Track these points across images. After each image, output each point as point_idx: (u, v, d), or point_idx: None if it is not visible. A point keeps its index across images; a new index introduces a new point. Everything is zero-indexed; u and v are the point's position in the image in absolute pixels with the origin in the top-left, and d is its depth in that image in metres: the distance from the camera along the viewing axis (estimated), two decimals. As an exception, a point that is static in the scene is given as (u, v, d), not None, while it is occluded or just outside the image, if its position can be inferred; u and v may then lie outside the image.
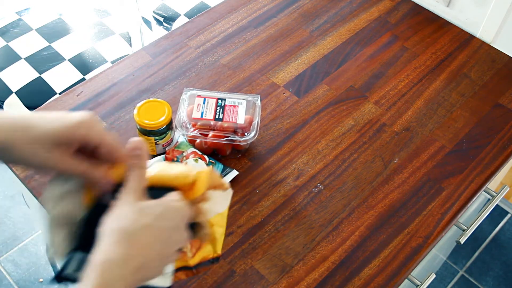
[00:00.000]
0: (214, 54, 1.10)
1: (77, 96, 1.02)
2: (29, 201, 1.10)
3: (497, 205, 1.89)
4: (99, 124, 0.58)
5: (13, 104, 1.29)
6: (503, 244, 1.86)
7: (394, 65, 1.11)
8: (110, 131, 0.96)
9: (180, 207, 0.58)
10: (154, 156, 0.91)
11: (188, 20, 1.22)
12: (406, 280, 0.86)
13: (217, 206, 0.67)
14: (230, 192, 0.68)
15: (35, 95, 1.29)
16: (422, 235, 0.87)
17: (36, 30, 1.40)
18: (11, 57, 1.34)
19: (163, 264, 0.57)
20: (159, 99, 0.90)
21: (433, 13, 1.23)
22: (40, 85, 1.30)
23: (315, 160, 0.95)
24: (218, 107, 0.91)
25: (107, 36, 1.41)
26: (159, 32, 1.52)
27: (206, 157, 0.89)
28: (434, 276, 0.92)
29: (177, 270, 0.67)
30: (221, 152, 0.92)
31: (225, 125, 0.89)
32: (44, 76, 1.31)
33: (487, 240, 1.87)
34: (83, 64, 1.34)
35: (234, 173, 0.90)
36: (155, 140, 0.89)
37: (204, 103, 0.91)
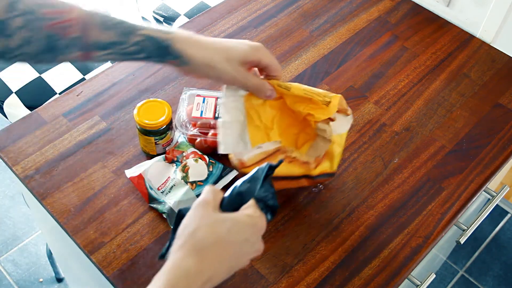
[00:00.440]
0: (214, 54, 1.10)
1: (77, 96, 1.02)
2: (29, 201, 1.10)
3: (497, 205, 1.89)
4: (268, 50, 0.78)
5: (13, 104, 1.29)
6: (503, 244, 1.86)
7: (394, 65, 1.11)
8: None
9: (251, 222, 0.62)
10: (154, 156, 0.91)
11: (188, 20, 1.22)
12: (406, 280, 0.86)
13: (339, 127, 0.82)
14: (351, 117, 0.83)
15: (35, 95, 1.29)
16: (422, 235, 0.87)
17: (36, 30, 1.40)
18: (11, 57, 1.34)
19: (230, 274, 0.60)
20: (159, 99, 0.90)
21: (433, 13, 1.23)
22: (40, 85, 1.30)
23: (315, 160, 0.95)
24: (218, 106, 0.91)
25: (107, 36, 1.41)
26: (159, 32, 1.52)
27: (206, 157, 0.89)
28: (434, 276, 0.92)
29: (302, 177, 0.83)
30: (221, 152, 0.92)
31: (225, 125, 0.89)
32: (44, 76, 1.31)
33: (487, 240, 1.87)
34: (83, 64, 1.34)
35: (234, 173, 0.90)
36: (155, 140, 0.89)
37: (203, 102, 0.91)
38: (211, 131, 0.89)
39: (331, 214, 0.88)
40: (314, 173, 0.83)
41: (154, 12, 1.50)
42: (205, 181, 0.87)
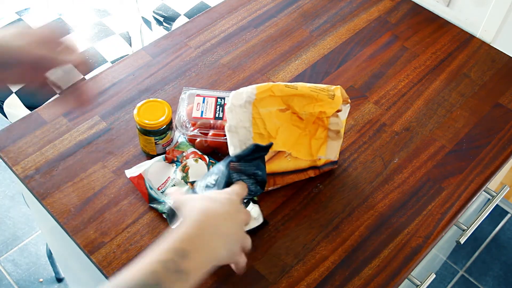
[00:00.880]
0: (214, 54, 1.10)
1: (77, 96, 1.02)
2: (29, 201, 1.10)
3: (497, 205, 1.89)
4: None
5: (13, 104, 1.29)
6: (503, 244, 1.86)
7: (394, 65, 1.11)
8: (111, 130, 0.96)
9: (227, 195, 0.71)
10: (154, 156, 0.91)
11: (188, 20, 1.22)
12: (406, 280, 0.86)
13: (342, 115, 0.87)
14: (349, 106, 0.87)
15: (35, 95, 1.29)
16: (422, 235, 0.87)
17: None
18: (11, 57, 1.34)
19: (228, 242, 0.68)
20: (159, 99, 0.90)
21: (433, 13, 1.23)
22: (40, 85, 1.30)
23: (315, 160, 0.95)
24: (218, 106, 0.91)
25: (107, 36, 1.41)
26: (159, 32, 1.52)
27: (206, 157, 0.89)
28: (434, 276, 0.92)
29: (309, 168, 0.89)
30: (221, 151, 0.92)
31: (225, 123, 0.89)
32: (44, 76, 1.31)
33: (487, 240, 1.87)
34: (83, 64, 1.34)
35: (234, 173, 0.90)
36: (155, 140, 0.89)
37: (203, 102, 0.91)
38: (211, 131, 0.89)
39: (331, 214, 0.88)
40: (320, 163, 0.90)
41: (154, 12, 1.50)
42: (205, 181, 0.87)
